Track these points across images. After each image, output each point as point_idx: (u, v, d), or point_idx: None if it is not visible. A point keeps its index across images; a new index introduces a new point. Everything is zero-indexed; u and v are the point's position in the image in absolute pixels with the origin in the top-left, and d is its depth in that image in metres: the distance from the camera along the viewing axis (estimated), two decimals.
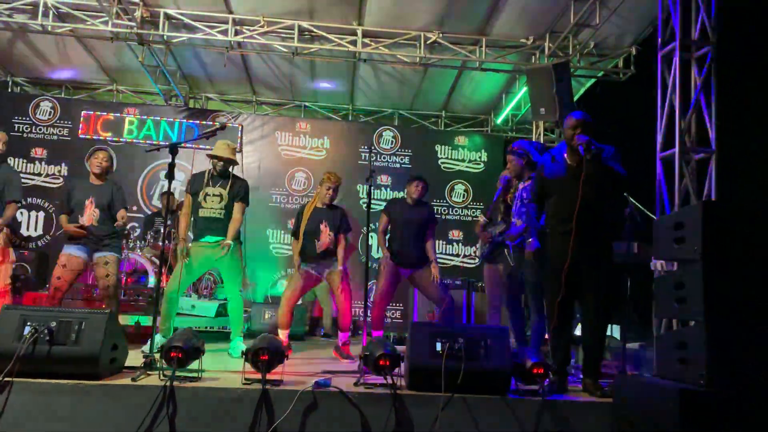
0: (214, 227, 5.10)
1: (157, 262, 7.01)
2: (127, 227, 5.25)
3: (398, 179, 9.67)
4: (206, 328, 7.08)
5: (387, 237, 5.82)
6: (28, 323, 3.44)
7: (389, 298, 5.77)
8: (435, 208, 5.99)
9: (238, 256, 5.20)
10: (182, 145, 4.36)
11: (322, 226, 5.36)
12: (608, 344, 5.13)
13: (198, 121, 9.41)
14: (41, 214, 8.97)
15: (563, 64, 7.00)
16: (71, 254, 5.17)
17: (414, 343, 3.62)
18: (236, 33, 7.58)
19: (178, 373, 3.44)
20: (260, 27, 7.54)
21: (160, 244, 6.87)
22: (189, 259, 5.00)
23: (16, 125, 9.14)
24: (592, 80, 8.54)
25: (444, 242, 9.47)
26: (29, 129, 9.17)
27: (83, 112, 9.23)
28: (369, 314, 5.73)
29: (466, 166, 9.89)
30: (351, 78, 9.21)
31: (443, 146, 9.90)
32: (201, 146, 8.53)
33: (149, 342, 4.15)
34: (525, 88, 8.16)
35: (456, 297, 7.53)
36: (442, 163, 9.85)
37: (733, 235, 3.19)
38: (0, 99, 9.47)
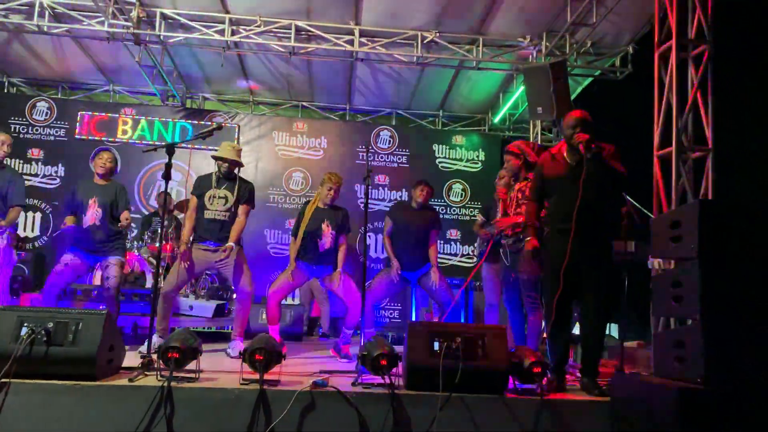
0: (218, 230, 5.08)
1: (155, 262, 6.99)
2: (129, 229, 5.22)
3: (396, 179, 9.68)
4: (204, 328, 7.07)
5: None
6: (25, 324, 3.42)
7: (381, 299, 5.77)
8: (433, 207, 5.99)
9: (242, 256, 5.18)
10: (179, 145, 4.35)
11: (324, 226, 5.35)
12: (606, 343, 5.13)
13: (193, 121, 9.41)
14: (38, 215, 8.95)
15: (560, 63, 7.00)
16: (74, 256, 5.19)
17: (412, 343, 3.61)
18: (233, 33, 7.57)
19: (175, 374, 3.43)
20: (257, 27, 7.53)
21: (157, 244, 6.88)
22: (188, 264, 4.99)
23: (13, 126, 9.12)
24: (589, 79, 8.54)
25: (442, 242, 9.47)
26: (26, 130, 9.16)
27: (79, 113, 9.22)
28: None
29: (464, 166, 9.90)
30: (348, 78, 9.19)
31: (441, 146, 9.91)
32: (197, 146, 8.58)
33: (146, 342, 4.15)
34: (522, 88, 8.16)
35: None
36: (440, 162, 9.85)
37: (730, 234, 3.19)
38: None
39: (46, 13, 7.33)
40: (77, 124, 9.20)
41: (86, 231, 5.17)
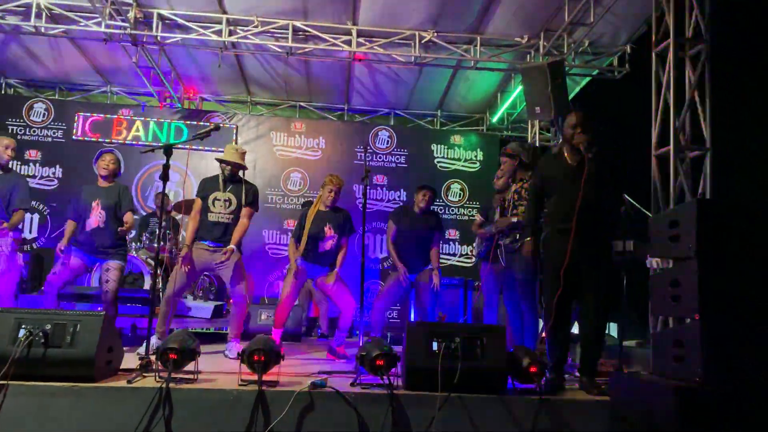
0: (221, 233, 5.08)
1: (153, 263, 6.98)
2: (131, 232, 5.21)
3: (394, 179, 9.68)
4: (202, 329, 7.06)
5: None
6: (23, 326, 3.42)
7: (392, 304, 5.82)
8: (431, 207, 6.00)
9: (240, 260, 5.18)
10: (176, 146, 4.34)
11: (326, 228, 5.36)
12: (605, 342, 5.14)
13: (188, 122, 9.39)
14: (36, 216, 8.92)
15: (558, 62, 7.00)
16: (75, 257, 5.19)
17: (410, 343, 3.61)
18: (230, 33, 7.56)
19: (174, 375, 3.42)
20: (254, 27, 7.52)
21: (155, 245, 6.87)
22: (190, 266, 4.99)
23: (10, 127, 9.11)
24: (587, 79, 8.55)
25: (441, 241, 9.46)
26: (23, 131, 9.14)
27: (77, 114, 9.21)
28: (369, 315, 5.76)
29: (462, 165, 9.90)
30: (346, 78, 9.19)
31: (439, 145, 9.90)
32: (194, 147, 8.57)
33: (145, 344, 4.14)
34: (520, 87, 8.16)
35: (453, 296, 7.57)
36: (438, 162, 9.85)
37: (728, 233, 3.20)
38: None
39: (43, 14, 7.32)
40: (75, 125, 9.18)
41: (89, 234, 5.16)
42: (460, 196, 9.82)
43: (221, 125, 9.10)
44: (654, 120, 5.20)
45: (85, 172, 8.92)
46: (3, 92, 9.70)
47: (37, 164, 9.11)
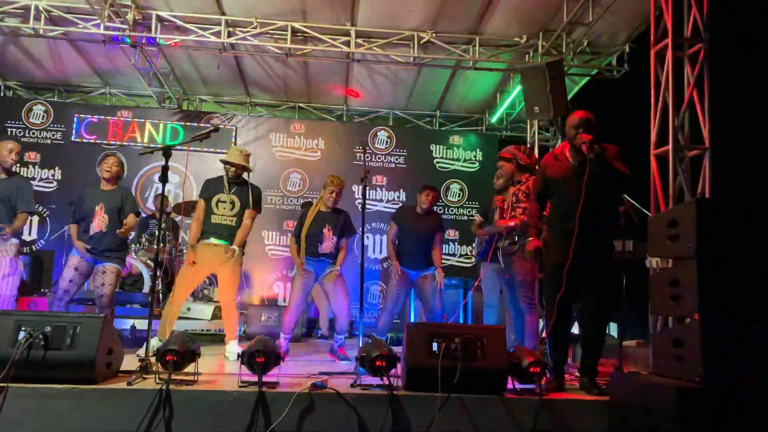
0: (223, 233, 5.09)
1: (152, 264, 6.99)
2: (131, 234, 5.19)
3: (394, 179, 9.69)
4: (202, 330, 7.07)
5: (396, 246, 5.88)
6: (23, 328, 3.41)
7: (400, 306, 5.84)
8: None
9: (240, 263, 5.19)
10: (175, 147, 4.34)
11: (325, 230, 5.36)
12: (605, 342, 5.14)
13: (185, 123, 9.39)
14: (35, 218, 8.91)
15: (557, 62, 7.01)
16: (81, 258, 5.17)
17: (410, 344, 3.61)
18: (229, 34, 7.56)
19: (174, 377, 3.42)
20: (253, 28, 7.52)
21: (155, 247, 6.87)
22: (194, 266, 4.99)
23: (9, 129, 9.12)
24: (586, 78, 8.54)
25: (442, 242, 9.46)
26: (22, 133, 9.14)
27: (76, 116, 9.21)
28: (375, 317, 5.76)
29: (461, 166, 9.90)
30: (345, 78, 9.18)
31: (438, 146, 9.91)
32: (192, 149, 8.56)
33: (145, 345, 4.14)
34: (519, 87, 8.16)
35: (453, 296, 7.56)
36: (437, 162, 9.86)
37: (728, 232, 3.19)
38: None
39: (42, 16, 7.31)
40: (73, 127, 9.18)
41: (92, 238, 5.15)
42: (459, 197, 9.82)
43: (220, 126, 9.10)
44: (653, 119, 5.20)
45: (85, 174, 8.94)
46: (2, 94, 9.70)
47: (36, 166, 9.12)
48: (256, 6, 7.30)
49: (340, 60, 8.17)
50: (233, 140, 9.36)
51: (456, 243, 9.66)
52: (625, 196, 4.96)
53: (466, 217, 9.65)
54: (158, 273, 6.69)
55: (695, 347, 3.05)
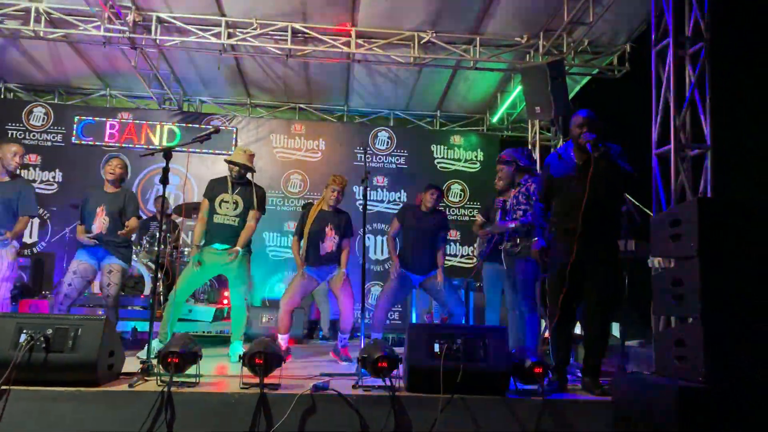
0: (226, 235, 5.07)
1: (153, 266, 6.98)
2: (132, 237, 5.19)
3: (394, 180, 9.68)
4: (204, 332, 7.06)
5: (397, 243, 5.86)
6: (24, 331, 3.41)
7: (394, 303, 5.81)
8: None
9: (247, 263, 5.17)
10: (175, 148, 4.34)
11: (327, 229, 5.35)
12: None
13: (183, 124, 9.39)
14: (36, 221, 8.91)
15: (558, 62, 7.00)
16: (81, 261, 5.16)
17: (412, 345, 3.61)
18: (229, 36, 7.56)
19: (175, 379, 3.42)
20: (253, 29, 7.52)
21: (155, 249, 6.87)
22: (200, 267, 4.99)
23: (10, 131, 9.13)
24: (587, 78, 8.54)
25: (445, 241, 9.46)
26: (23, 135, 9.14)
27: (76, 118, 9.22)
28: (370, 317, 5.75)
29: (463, 166, 9.90)
30: (345, 79, 9.18)
31: (439, 146, 9.91)
32: (193, 150, 8.58)
33: (146, 347, 4.13)
34: (520, 87, 8.15)
35: None
36: (438, 163, 9.85)
37: (730, 231, 3.19)
38: None
39: (42, 18, 7.32)
40: (74, 129, 9.19)
41: (93, 238, 5.15)
42: (460, 197, 9.81)
43: (221, 128, 9.09)
44: (654, 119, 5.19)
45: (85, 176, 8.94)
46: (2, 97, 9.70)
47: (37, 168, 9.12)
48: (256, 7, 7.30)
49: (340, 61, 8.16)
50: (234, 142, 9.36)
51: (458, 243, 9.65)
52: (627, 195, 4.95)
53: (467, 218, 9.64)
54: (159, 275, 6.68)
55: (698, 347, 3.05)
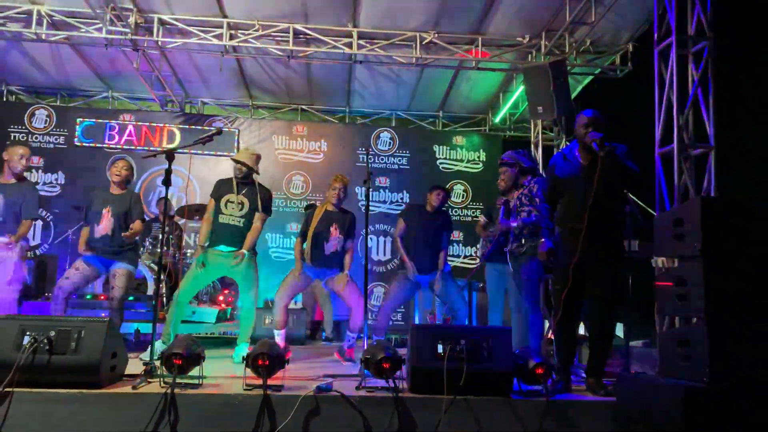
0: (231, 236, 5.07)
1: (156, 268, 6.99)
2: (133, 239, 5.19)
3: (397, 181, 9.67)
4: (207, 334, 7.06)
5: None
6: (27, 333, 3.41)
7: (397, 308, 5.82)
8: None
9: (254, 265, 5.17)
10: (176, 150, 4.34)
11: (332, 229, 5.35)
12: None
13: (186, 126, 9.40)
14: (39, 223, 8.92)
15: (560, 62, 6.99)
16: (87, 262, 5.18)
17: (415, 346, 3.60)
18: (231, 37, 7.56)
19: (178, 380, 3.41)
20: (255, 30, 7.52)
21: (158, 250, 6.87)
22: (204, 268, 4.99)
23: (12, 134, 9.15)
24: (589, 78, 8.52)
25: (449, 241, 9.45)
26: (25, 138, 9.16)
27: (78, 120, 9.23)
28: (375, 317, 5.74)
29: (465, 166, 9.89)
30: (347, 80, 9.18)
31: (441, 146, 9.90)
32: (195, 152, 8.58)
33: (149, 349, 4.13)
34: (522, 87, 8.14)
35: None
36: (441, 163, 9.84)
37: (733, 231, 3.18)
38: None
39: (44, 21, 7.33)
40: (76, 131, 9.21)
41: (97, 240, 5.15)
42: (463, 197, 9.80)
43: (223, 129, 9.09)
44: (657, 118, 5.18)
45: (88, 177, 8.95)
46: (5, 99, 9.71)
47: (40, 171, 9.14)
48: (257, 8, 7.30)
49: (342, 61, 8.16)
50: (236, 143, 9.36)
51: (460, 244, 9.64)
52: (630, 195, 4.94)
53: (470, 218, 9.63)
54: (162, 277, 6.69)
55: (702, 347, 3.04)
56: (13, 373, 3.24)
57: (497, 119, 9.99)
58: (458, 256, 9.59)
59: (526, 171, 5.12)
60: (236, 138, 9.43)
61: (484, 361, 3.53)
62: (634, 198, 4.81)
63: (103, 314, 5.98)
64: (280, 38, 7.71)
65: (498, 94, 9.64)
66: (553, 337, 4.24)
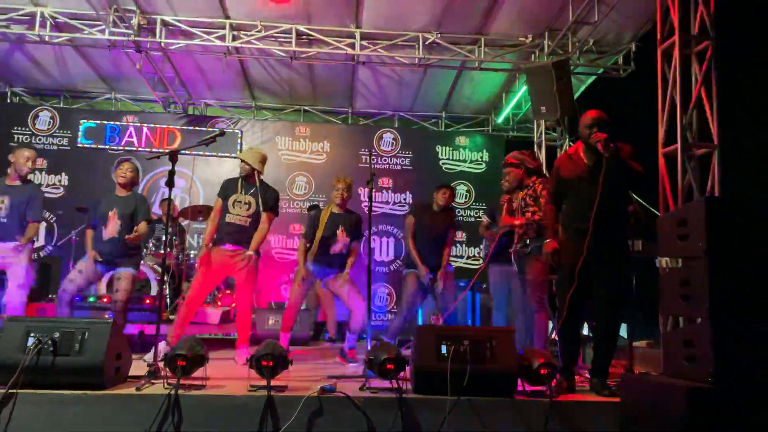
0: (237, 235, 5.08)
1: (159, 269, 6.99)
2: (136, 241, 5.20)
3: (400, 181, 9.67)
4: (210, 335, 7.07)
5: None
6: (32, 334, 3.42)
7: (415, 312, 5.87)
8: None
9: (256, 267, 5.18)
10: (178, 150, 4.34)
11: (339, 231, 5.36)
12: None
13: (189, 127, 9.41)
14: (42, 225, 8.93)
15: (563, 62, 6.98)
16: (89, 264, 5.17)
17: (419, 346, 3.60)
18: (234, 38, 7.56)
19: (182, 381, 3.41)
20: (257, 32, 7.53)
21: (162, 252, 6.88)
22: (208, 268, 5.00)
23: (16, 136, 9.17)
24: (592, 77, 8.52)
25: (453, 239, 9.44)
26: (29, 139, 9.19)
27: (81, 121, 9.25)
28: (388, 320, 5.74)
29: (468, 167, 9.88)
30: (350, 81, 9.18)
31: (444, 147, 9.90)
32: (198, 153, 8.60)
33: (153, 350, 4.13)
34: (525, 87, 8.14)
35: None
36: (444, 164, 9.84)
37: (738, 231, 3.17)
38: None
39: (48, 22, 7.35)
40: (79, 132, 9.23)
41: (105, 244, 5.15)
42: (466, 198, 9.80)
43: (226, 131, 9.11)
44: (660, 118, 5.17)
45: (91, 179, 8.97)
46: (8, 101, 9.73)
47: (43, 172, 9.15)
48: (260, 9, 7.30)
49: (344, 62, 8.16)
50: (239, 144, 9.37)
51: (464, 245, 9.64)
52: (634, 195, 4.94)
53: (473, 219, 9.62)
54: (165, 278, 6.69)
55: (706, 347, 3.02)
56: (17, 374, 3.25)
57: (500, 119, 9.98)
58: (461, 257, 9.59)
59: (531, 171, 5.12)
60: (239, 139, 9.44)
61: (488, 361, 3.53)
62: (638, 198, 4.80)
63: (106, 315, 5.99)
64: (282, 39, 7.72)
65: (501, 95, 9.63)
66: (557, 338, 4.22)
